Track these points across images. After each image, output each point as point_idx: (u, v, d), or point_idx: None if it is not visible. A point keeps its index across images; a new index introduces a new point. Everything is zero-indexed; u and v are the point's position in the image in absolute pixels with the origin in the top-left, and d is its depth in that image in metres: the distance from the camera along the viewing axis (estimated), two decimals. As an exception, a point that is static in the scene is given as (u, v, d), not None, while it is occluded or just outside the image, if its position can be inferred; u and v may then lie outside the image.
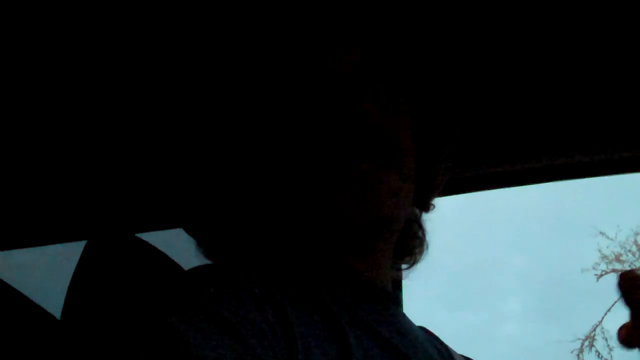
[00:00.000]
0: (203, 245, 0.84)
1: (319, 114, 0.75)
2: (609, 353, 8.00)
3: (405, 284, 0.97)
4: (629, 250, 9.05)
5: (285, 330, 0.65)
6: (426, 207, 0.89)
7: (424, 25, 0.94)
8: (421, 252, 0.89)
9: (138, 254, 0.97)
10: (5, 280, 1.01)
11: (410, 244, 0.88)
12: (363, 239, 0.76)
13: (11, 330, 0.98)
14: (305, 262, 0.77)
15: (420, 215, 0.89)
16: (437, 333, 0.89)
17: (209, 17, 0.96)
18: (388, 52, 0.81)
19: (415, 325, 0.84)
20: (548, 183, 1.28)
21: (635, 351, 0.66)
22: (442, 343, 0.88)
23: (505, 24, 1.03)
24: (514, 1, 0.99)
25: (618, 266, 9.00)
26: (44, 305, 1.01)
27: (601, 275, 8.89)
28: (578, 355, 8.06)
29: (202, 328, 0.61)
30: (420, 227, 0.89)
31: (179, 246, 0.97)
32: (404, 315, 0.82)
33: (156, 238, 1.02)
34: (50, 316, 1.00)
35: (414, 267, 0.89)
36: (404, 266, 0.89)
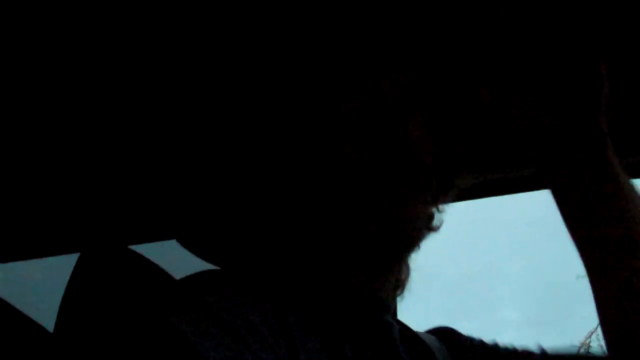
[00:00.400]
0: (202, 255, 0.84)
1: (370, 134, 0.76)
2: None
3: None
4: (624, 256, 9.08)
5: (287, 338, 0.65)
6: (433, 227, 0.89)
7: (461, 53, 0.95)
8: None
9: (131, 266, 0.97)
10: (-2, 294, 1.01)
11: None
12: (382, 258, 0.77)
13: (3, 344, 0.98)
14: (310, 273, 0.76)
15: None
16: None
17: (242, 23, 0.95)
18: (427, 78, 0.82)
19: (420, 341, 0.84)
20: (544, 190, 1.28)
21: None
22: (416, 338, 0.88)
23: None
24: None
25: (613, 272, 9.02)
26: (37, 318, 1.01)
27: (597, 282, 8.90)
28: (574, 361, 8.07)
29: (207, 331, 0.62)
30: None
31: (171, 258, 0.97)
32: (404, 328, 0.84)
33: (149, 250, 1.01)
34: (43, 329, 0.99)
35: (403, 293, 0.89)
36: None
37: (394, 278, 0.82)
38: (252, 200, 0.80)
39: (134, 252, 0.98)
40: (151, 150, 1.17)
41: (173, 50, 0.99)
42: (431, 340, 0.87)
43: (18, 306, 1.00)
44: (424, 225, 0.79)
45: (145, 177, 1.21)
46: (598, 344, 8.23)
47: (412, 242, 0.77)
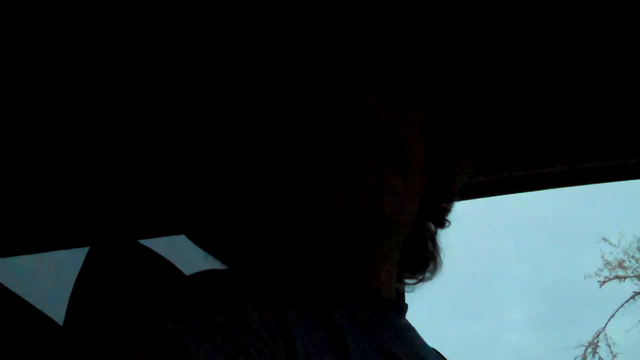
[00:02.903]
0: (208, 249, 0.84)
1: (327, 112, 0.75)
2: (612, 360, 7.98)
3: (407, 294, 0.96)
4: (632, 257, 9.03)
5: (284, 334, 0.65)
6: (441, 222, 0.87)
7: (436, 30, 0.94)
8: (433, 270, 0.87)
9: (140, 261, 0.97)
10: (7, 287, 1.01)
11: (420, 259, 0.86)
12: (361, 240, 0.75)
13: (14, 337, 0.98)
14: (306, 266, 0.76)
15: (436, 231, 0.88)
16: (440, 343, 0.88)
17: (214, 17, 0.95)
18: (399, 56, 0.81)
19: (420, 338, 0.83)
20: (551, 190, 1.28)
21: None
22: None
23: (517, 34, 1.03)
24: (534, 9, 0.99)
25: (621, 273, 8.98)
26: (47, 312, 1.01)
27: (604, 282, 8.86)
28: (581, 362, 8.03)
29: (197, 331, 0.62)
30: (433, 242, 0.87)
31: (181, 252, 0.97)
32: (406, 325, 0.82)
33: (159, 244, 1.01)
34: (53, 323, 1.00)
35: (422, 283, 0.87)
36: (411, 280, 0.87)
37: (390, 266, 0.80)
38: (243, 193, 0.80)
39: (143, 246, 0.99)
40: (159, 144, 1.17)
41: (172, 47, 1.00)
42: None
43: (29, 299, 1.01)
44: (403, 205, 0.75)
45: (156, 171, 1.21)
46: (605, 343, 8.20)
47: (390, 218, 0.73)
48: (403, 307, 0.82)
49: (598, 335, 8.30)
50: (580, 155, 1.19)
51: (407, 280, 0.87)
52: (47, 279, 1.38)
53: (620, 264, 8.95)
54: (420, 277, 0.87)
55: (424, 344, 0.83)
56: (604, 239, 8.89)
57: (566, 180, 1.24)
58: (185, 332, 0.61)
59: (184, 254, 0.93)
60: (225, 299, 0.65)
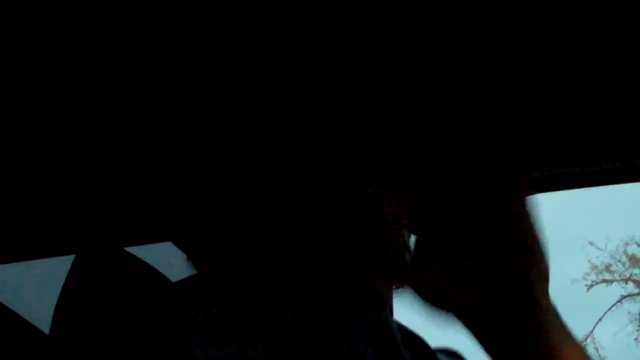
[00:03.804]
0: (196, 257, 0.84)
1: (324, 127, 0.74)
2: (600, 364, 8.02)
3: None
4: (619, 261, 9.10)
5: (283, 338, 0.65)
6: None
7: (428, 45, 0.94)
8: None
9: (127, 268, 0.97)
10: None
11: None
12: (364, 265, 0.75)
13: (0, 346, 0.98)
14: (301, 272, 0.76)
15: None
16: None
17: (208, 18, 0.95)
18: (388, 69, 0.80)
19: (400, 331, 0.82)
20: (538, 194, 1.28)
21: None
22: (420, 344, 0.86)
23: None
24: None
25: (608, 276, 9.04)
26: (33, 321, 1.01)
27: (591, 286, 8.92)
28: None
29: (197, 330, 0.61)
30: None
31: (167, 260, 0.97)
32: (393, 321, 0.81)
33: (145, 252, 1.01)
34: (39, 331, 0.99)
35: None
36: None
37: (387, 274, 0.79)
38: (241, 201, 0.80)
39: (129, 254, 0.98)
40: (145, 150, 1.17)
41: (171, 48, 1.00)
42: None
43: (14, 308, 1.00)
44: (403, 226, 0.74)
45: (141, 177, 1.21)
46: (593, 347, 8.24)
47: (388, 245, 0.73)
48: (389, 304, 0.82)
49: (586, 339, 8.34)
50: (564, 160, 1.20)
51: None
52: (33, 288, 1.37)
53: (607, 268, 9.02)
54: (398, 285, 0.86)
55: (423, 347, 0.83)
56: (590, 243, 8.95)
57: (550, 185, 1.25)
58: (186, 331, 0.61)
59: (171, 262, 0.93)
60: (224, 301, 0.65)
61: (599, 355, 8.07)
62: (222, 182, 0.80)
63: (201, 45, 0.93)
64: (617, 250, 9.03)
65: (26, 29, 0.97)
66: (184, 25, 0.97)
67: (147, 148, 1.16)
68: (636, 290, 9.05)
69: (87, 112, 1.12)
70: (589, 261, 8.92)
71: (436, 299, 0.67)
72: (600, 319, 8.63)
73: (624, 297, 8.98)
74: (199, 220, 0.83)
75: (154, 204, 1.23)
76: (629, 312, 8.97)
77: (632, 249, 9.07)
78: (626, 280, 9.06)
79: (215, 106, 0.82)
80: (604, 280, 8.96)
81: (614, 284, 9.02)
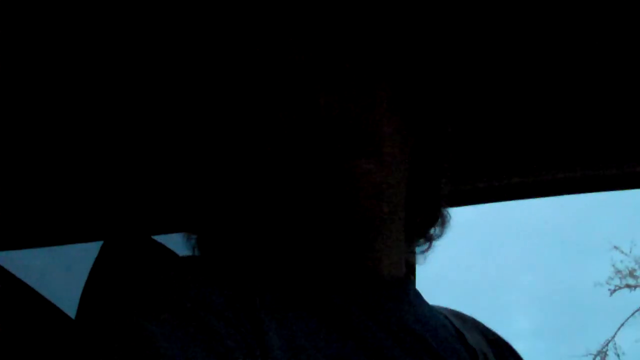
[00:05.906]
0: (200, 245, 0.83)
1: (280, 108, 0.72)
2: (620, 369, 7.93)
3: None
4: (643, 266, 8.97)
5: (253, 320, 0.65)
6: (427, 236, 0.83)
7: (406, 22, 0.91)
8: (441, 224, 0.83)
9: (154, 256, 0.98)
10: (22, 279, 1.02)
11: (423, 225, 0.83)
12: (354, 240, 0.72)
13: (27, 329, 0.99)
14: (298, 257, 0.74)
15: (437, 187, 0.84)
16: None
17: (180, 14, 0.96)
18: (354, 28, 0.76)
19: (427, 307, 0.81)
20: (562, 196, 1.28)
21: None
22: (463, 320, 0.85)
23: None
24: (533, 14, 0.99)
25: (632, 281, 8.93)
26: (60, 305, 1.02)
27: (614, 291, 8.81)
28: (589, 371, 7.98)
29: (165, 319, 0.62)
30: (435, 205, 0.83)
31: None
32: (411, 298, 0.78)
33: (173, 240, 1.02)
34: (66, 316, 1.01)
35: (430, 248, 0.83)
36: (419, 248, 0.84)
37: (395, 249, 0.77)
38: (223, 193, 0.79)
39: (157, 242, 0.99)
40: (170, 138, 1.17)
41: (173, 48, 1.00)
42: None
43: (43, 293, 1.01)
44: (386, 196, 0.71)
45: (170, 165, 1.21)
46: (614, 352, 8.15)
47: (369, 220, 0.71)
48: (408, 285, 0.80)
49: (607, 345, 8.26)
50: (592, 163, 1.19)
51: (419, 241, 0.84)
52: (61, 273, 1.39)
53: (631, 273, 8.90)
54: (430, 234, 0.83)
55: (432, 315, 0.80)
56: (615, 247, 8.84)
57: (577, 187, 1.24)
58: (153, 321, 0.62)
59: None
60: (194, 287, 0.66)
61: (621, 361, 7.97)
62: (213, 172, 0.79)
63: (201, 45, 0.94)
64: (642, 255, 8.91)
65: (26, 29, 0.98)
66: (184, 25, 0.97)
67: (169, 136, 1.16)
68: (660, 297, 8.93)
69: (110, 106, 1.13)
70: (613, 265, 8.81)
71: None
72: (622, 325, 8.53)
73: (647, 303, 8.86)
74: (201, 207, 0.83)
75: (182, 192, 1.23)
76: (651, 319, 8.86)
77: (657, 255, 8.94)
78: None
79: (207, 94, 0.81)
80: (627, 285, 8.84)
81: (638, 289, 8.91)
